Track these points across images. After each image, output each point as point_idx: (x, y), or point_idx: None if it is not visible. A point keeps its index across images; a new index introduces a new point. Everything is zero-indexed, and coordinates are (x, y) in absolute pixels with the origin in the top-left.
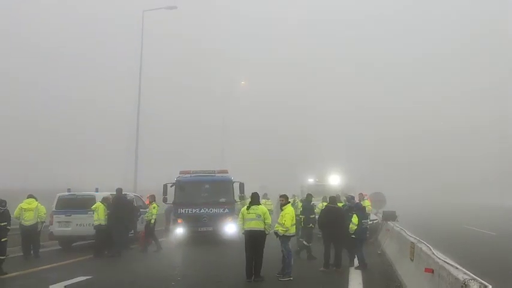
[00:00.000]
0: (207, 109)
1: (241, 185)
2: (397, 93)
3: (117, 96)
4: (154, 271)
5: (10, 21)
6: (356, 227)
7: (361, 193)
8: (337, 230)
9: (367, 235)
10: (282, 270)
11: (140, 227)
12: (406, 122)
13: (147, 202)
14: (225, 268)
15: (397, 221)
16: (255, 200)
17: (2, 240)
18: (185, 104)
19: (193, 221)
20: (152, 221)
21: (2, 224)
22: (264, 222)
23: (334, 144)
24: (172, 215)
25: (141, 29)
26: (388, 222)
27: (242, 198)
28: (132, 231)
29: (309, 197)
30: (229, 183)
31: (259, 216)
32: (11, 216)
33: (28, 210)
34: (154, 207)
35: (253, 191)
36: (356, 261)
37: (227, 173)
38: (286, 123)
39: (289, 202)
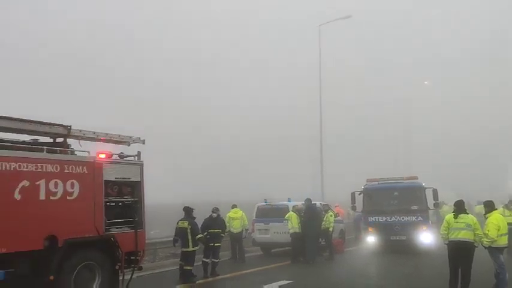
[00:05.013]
0: (390, 114)
1: (435, 192)
2: None
3: (298, 106)
4: (350, 279)
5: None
6: None
7: None
8: None
9: None
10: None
11: (334, 235)
12: None
13: (336, 211)
14: (424, 281)
15: None
16: (461, 207)
17: (215, 245)
18: (366, 109)
19: (384, 230)
20: (330, 229)
21: (216, 230)
22: (474, 233)
23: None
24: (362, 224)
25: (319, 44)
26: None
27: (437, 205)
28: (324, 240)
29: None
30: (420, 189)
31: (469, 225)
32: (226, 223)
33: (235, 219)
34: (331, 215)
35: (459, 199)
36: None
37: (417, 179)
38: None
39: (495, 209)
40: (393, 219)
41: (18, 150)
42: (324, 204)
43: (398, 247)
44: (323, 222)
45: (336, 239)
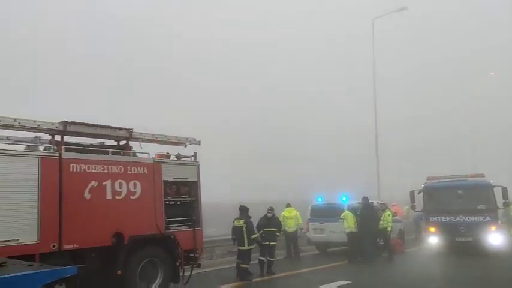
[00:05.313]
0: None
1: (504, 190)
2: None
3: (353, 101)
4: (412, 282)
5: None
6: None
7: None
8: None
9: None
10: None
11: (392, 235)
12: None
13: (393, 210)
14: (495, 284)
15: None
16: None
17: (271, 244)
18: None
19: (448, 230)
20: (389, 229)
21: (272, 229)
22: None
23: None
24: (423, 223)
25: (372, 38)
26: None
27: (507, 204)
28: (382, 240)
29: None
30: (487, 187)
31: None
32: (281, 222)
33: (289, 218)
34: (389, 215)
35: None
36: None
37: (483, 177)
38: None
39: None
40: (458, 219)
41: (87, 153)
42: (381, 203)
43: (464, 249)
44: (381, 222)
45: (394, 239)
